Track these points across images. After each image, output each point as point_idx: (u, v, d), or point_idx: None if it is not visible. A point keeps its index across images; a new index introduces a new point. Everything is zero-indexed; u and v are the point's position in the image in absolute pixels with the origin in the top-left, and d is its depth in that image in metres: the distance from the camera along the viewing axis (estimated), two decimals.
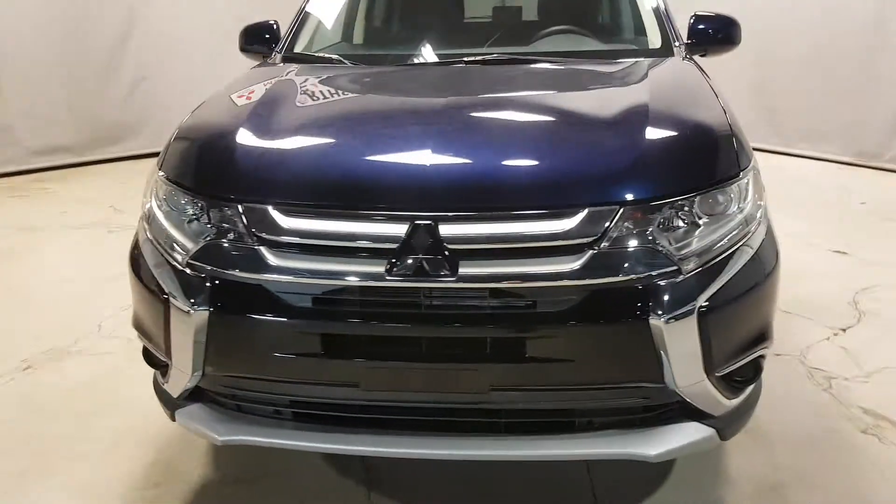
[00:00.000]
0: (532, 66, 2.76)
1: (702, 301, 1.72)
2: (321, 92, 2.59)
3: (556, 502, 2.22)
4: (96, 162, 6.95)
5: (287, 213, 1.80)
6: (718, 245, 1.80)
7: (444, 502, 2.27)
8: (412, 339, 1.76)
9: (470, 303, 1.73)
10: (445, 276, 1.69)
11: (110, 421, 2.70)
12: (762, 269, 1.88)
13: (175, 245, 1.91)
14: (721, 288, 1.76)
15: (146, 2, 6.92)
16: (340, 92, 2.61)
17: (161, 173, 2.08)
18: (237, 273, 1.80)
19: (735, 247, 1.83)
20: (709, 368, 1.77)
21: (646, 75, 2.45)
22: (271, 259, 1.78)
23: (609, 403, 1.83)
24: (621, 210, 1.74)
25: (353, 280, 1.74)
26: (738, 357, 1.85)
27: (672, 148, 1.95)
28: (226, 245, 1.84)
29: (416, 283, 1.71)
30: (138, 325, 2.08)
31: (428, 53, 2.93)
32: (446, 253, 1.70)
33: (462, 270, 1.69)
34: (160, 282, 1.89)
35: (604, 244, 1.72)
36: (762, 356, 1.94)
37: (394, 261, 1.71)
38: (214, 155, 2.05)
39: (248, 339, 1.83)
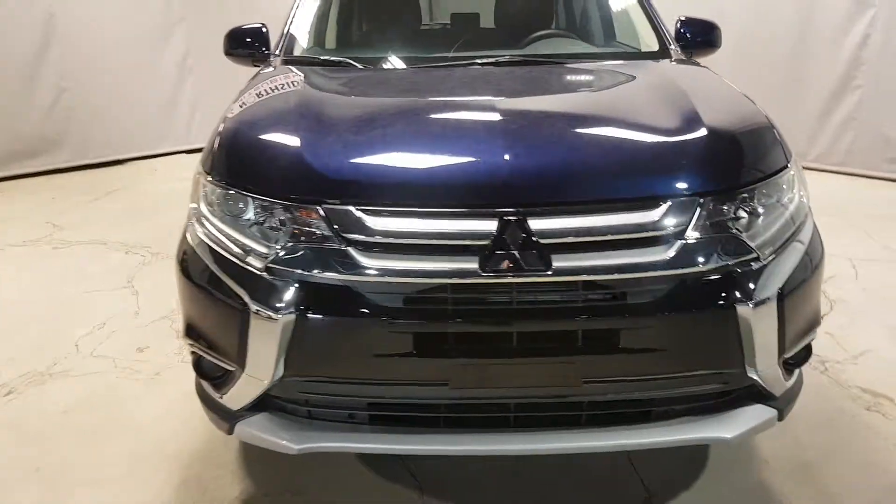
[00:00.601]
0: (552, 66, 2.83)
1: (779, 286, 1.81)
2: (365, 93, 2.55)
3: (609, 498, 2.26)
4: (15, 177, 6.49)
5: (375, 213, 1.76)
6: (784, 233, 1.90)
7: (496, 502, 2.27)
8: (505, 334, 1.75)
9: (564, 296, 1.74)
10: (540, 270, 1.71)
11: (119, 444, 2.54)
12: (817, 254, 2.00)
13: (247, 250, 1.83)
14: (792, 273, 1.86)
15: (67, 9, 6.53)
16: (385, 93, 2.57)
17: (213, 178, 1.98)
18: (326, 275, 1.75)
19: (796, 234, 1.94)
20: (781, 352, 1.86)
21: (673, 75, 2.56)
22: (362, 259, 1.74)
23: (689, 391, 1.88)
24: (702, 200, 1.81)
25: (447, 278, 1.72)
26: (802, 340, 1.96)
27: (733, 142, 2.03)
28: (311, 248, 1.78)
29: (512, 278, 1.71)
30: (195, 334, 1.97)
31: (438, 55, 2.94)
32: (539, 247, 1.72)
33: (556, 264, 1.71)
34: (234, 288, 1.80)
35: (690, 234, 1.78)
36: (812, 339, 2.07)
37: (488, 257, 1.71)
38: (285, 159, 1.96)
39: (335, 341, 1.77)
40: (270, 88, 2.48)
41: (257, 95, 2.41)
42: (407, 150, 2.01)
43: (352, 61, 2.86)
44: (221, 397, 1.97)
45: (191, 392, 2.19)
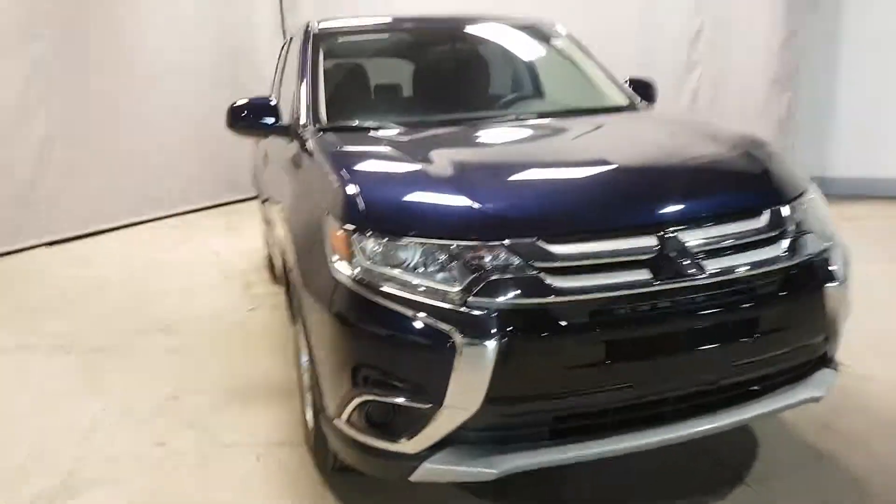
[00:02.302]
0: (571, 118, 3.32)
1: (845, 271, 2.30)
2: (474, 147, 2.90)
3: (709, 487, 2.55)
4: None
5: (555, 242, 1.99)
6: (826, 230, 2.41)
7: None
8: (677, 332, 2.04)
9: (715, 292, 2.08)
10: (697, 272, 2.03)
11: None
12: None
13: (438, 290, 1.95)
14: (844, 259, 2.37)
15: None
16: (488, 145, 2.97)
17: (374, 231, 2.09)
18: (522, 301, 1.92)
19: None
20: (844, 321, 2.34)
21: (685, 119, 3.08)
22: (554, 283, 1.94)
23: (792, 363, 2.28)
24: (786, 207, 2.26)
25: (628, 290, 1.98)
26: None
27: (779, 166, 2.51)
28: (503, 278, 1.95)
29: (678, 283, 2.02)
30: (378, 382, 2.01)
31: (464, 115, 3.33)
32: (692, 255, 2.05)
33: (708, 268, 2.05)
34: (436, 325, 1.91)
35: (789, 233, 2.21)
36: None
37: (657, 267, 2.00)
38: (459, 206, 2.15)
39: (535, 362, 1.94)
40: (376, 149, 2.74)
41: (366, 157, 2.63)
42: (563, 189, 2.33)
43: (400, 124, 3.07)
44: (398, 442, 2.02)
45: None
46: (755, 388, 2.24)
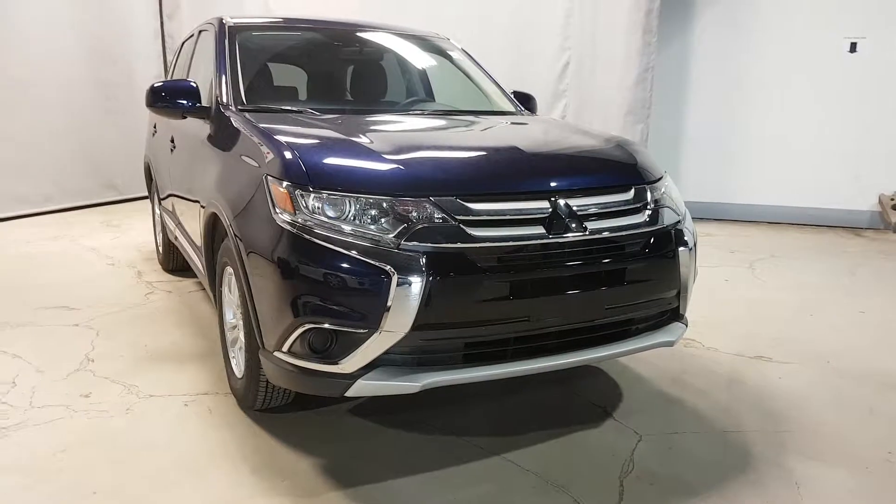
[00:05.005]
0: (471, 115, 3.84)
1: (694, 240, 2.89)
2: (386, 128, 3.27)
3: (583, 419, 3.08)
4: None
5: (471, 200, 2.44)
6: (681, 207, 3.00)
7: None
8: (564, 277, 2.52)
9: (594, 247, 2.58)
10: (580, 230, 2.54)
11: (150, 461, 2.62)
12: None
13: (374, 236, 2.34)
14: (694, 232, 2.96)
15: None
16: (400, 128, 3.40)
17: (315, 187, 2.44)
18: (447, 245, 2.35)
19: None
20: (692, 282, 2.93)
21: (567, 122, 3.64)
22: (471, 232, 2.38)
23: (651, 311, 2.83)
24: (647, 186, 2.83)
25: (528, 241, 2.45)
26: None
27: (643, 156, 3.08)
28: (429, 227, 2.37)
29: (565, 238, 2.51)
30: (312, 313, 2.36)
31: (366, 106, 3.81)
32: (577, 216, 2.56)
33: (588, 227, 2.56)
34: (376, 264, 2.28)
35: (650, 206, 2.77)
36: None
37: (550, 224, 2.49)
38: (393, 169, 2.56)
39: (453, 296, 2.34)
40: (296, 122, 3.10)
41: (293, 126, 2.98)
42: (475, 159, 2.85)
43: (311, 109, 3.40)
44: (337, 363, 2.37)
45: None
46: (622, 329, 2.77)
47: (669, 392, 3.32)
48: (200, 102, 3.47)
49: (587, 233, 2.56)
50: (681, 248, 2.78)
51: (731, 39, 7.89)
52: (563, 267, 2.53)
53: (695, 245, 2.89)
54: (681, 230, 2.86)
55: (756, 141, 7.95)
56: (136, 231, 7.03)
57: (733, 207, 8.14)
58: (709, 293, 4.87)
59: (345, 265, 2.33)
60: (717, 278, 5.47)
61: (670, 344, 2.85)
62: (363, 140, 2.78)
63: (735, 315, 4.53)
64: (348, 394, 2.39)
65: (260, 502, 2.37)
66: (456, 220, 2.40)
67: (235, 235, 2.70)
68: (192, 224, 3.70)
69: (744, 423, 3.02)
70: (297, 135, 2.88)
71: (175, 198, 4.35)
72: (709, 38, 8.00)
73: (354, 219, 2.40)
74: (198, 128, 3.60)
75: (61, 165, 8.16)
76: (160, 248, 5.47)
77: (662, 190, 2.93)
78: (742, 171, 8.08)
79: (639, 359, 3.62)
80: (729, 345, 3.95)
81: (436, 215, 2.40)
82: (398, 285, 2.27)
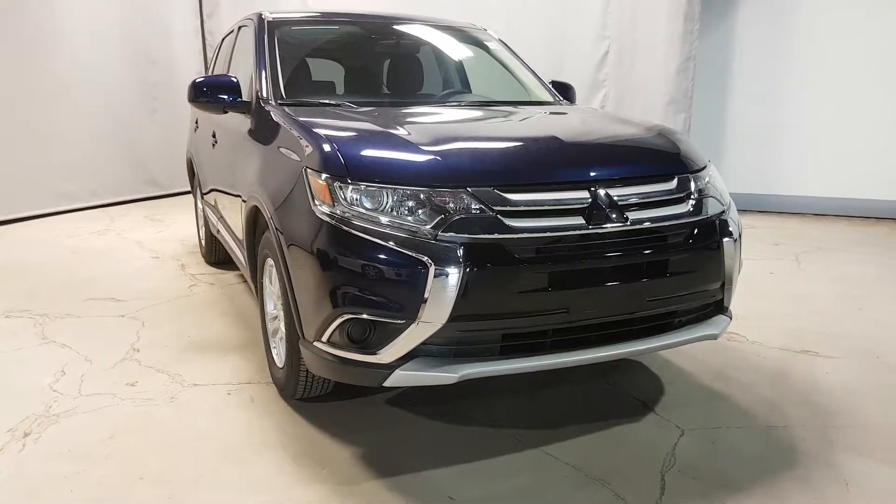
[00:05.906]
0: (509, 106, 3.83)
1: (739, 230, 2.83)
2: (426, 120, 3.28)
3: (623, 413, 3.05)
4: None
5: (509, 191, 2.42)
6: (726, 197, 2.94)
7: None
8: (604, 269, 2.48)
9: (635, 238, 2.54)
10: (621, 220, 2.50)
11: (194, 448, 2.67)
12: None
13: (412, 227, 2.34)
14: (739, 222, 2.89)
15: None
16: (441, 120, 3.40)
17: (355, 182, 2.44)
18: (484, 236, 2.34)
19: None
20: (737, 274, 2.87)
21: (608, 111, 3.61)
22: (509, 222, 2.36)
23: (694, 304, 2.77)
24: (691, 175, 2.77)
25: (567, 231, 2.43)
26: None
27: (686, 145, 3.02)
28: (467, 218, 2.35)
29: (605, 228, 2.47)
30: (361, 302, 2.36)
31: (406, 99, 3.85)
32: (619, 206, 2.52)
33: (630, 218, 2.52)
34: (413, 255, 2.29)
35: (693, 196, 2.72)
36: None
37: (589, 215, 2.46)
38: (431, 161, 2.55)
39: (490, 287, 2.33)
40: (334, 115, 3.16)
41: (329, 118, 3.04)
42: (514, 150, 2.84)
43: (349, 103, 3.42)
44: (375, 353, 2.38)
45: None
46: (664, 322, 2.72)
47: (712, 386, 3.26)
48: (241, 97, 3.52)
49: (628, 223, 2.51)
50: (725, 239, 2.72)
51: (778, 25, 7.65)
52: (604, 258, 2.49)
53: (740, 236, 2.82)
54: (725, 220, 2.79)
55: (804, 130, 7.70)
56: (179, 225, 7.17)
57: (778, 199, 7.94)
58: (753, 286, 4.77)
59: (382, 256, 2.33)
60: (761, 271, 5.35)
61: (714, 337, 2.79)
62: (400, 132, 2.78)
63: (780, 308, 4.43)
64: (386, 384, 2.40)
65: (300, 490, 2.39)
66: (493, 210, 2.39)
67: (276, 228, 2.73)
68: (234, 217, 3.75)
69: (790, 418, 2.95)
70: (335, 128, 2.91)
71: (217, 192, 4.42)
72: (753, 24, 7.78)
73: (392, 210, 2.40)
74: (239, 122, 3.64)
75: (106, 162, 8.36)
76: (203, 242, 5.56)
77: (706, 179, 2.87)
78: (788, 162, 7.86)
79: (681, 352, 3.55)
80: (774, 339, 3.86)
81: (473, 206, 2.39)
82: (435, 276, 2.27)
